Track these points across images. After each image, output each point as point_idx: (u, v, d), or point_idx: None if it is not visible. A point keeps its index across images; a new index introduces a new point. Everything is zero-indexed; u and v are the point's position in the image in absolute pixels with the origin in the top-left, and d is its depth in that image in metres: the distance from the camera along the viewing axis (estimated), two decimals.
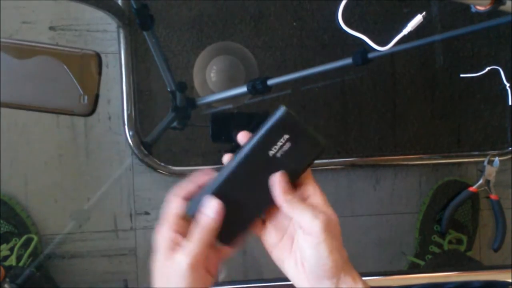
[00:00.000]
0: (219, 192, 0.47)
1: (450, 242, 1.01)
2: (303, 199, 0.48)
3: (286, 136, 0.47)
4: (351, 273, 0.46)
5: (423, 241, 1.03)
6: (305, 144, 0.47)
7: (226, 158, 0.49)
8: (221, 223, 0.47)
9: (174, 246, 0.46)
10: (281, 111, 0.47)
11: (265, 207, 0.48)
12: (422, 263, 1.01)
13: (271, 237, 0.49)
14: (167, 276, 0.46)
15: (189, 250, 0.45)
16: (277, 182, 0.47)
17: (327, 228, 0.45)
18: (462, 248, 1.01)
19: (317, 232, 0.45)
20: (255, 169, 0.48)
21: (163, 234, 0.47)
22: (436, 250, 1.01)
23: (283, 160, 0.47)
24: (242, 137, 0.49)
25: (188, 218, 0.47)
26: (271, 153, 0.47)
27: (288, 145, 0.47)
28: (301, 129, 0.47)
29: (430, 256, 1.01)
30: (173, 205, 0.47)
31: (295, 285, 0.48)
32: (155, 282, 0.47)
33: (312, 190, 0.48)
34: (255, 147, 0.47)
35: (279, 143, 0.47)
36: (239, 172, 0.47)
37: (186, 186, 0.49)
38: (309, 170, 0.49)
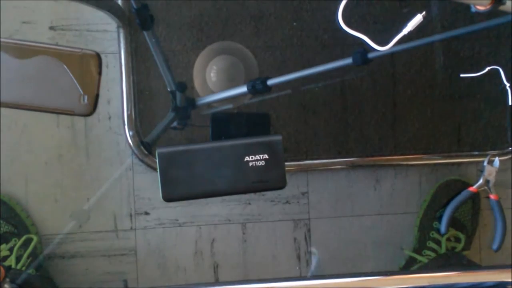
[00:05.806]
0: (184, 155, 0.54)
1: (448, 239, 1.01)
2: None
3: (265, 156, 0.53)
4: None
5: (421, 236, 1.03)
6: (273, 174, 0.53)
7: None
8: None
9: None
10: (278, 137, 0.54)
11: (215, 191, 0.54)
12: (419, 257, 1.01)
13: None
14: None
15: None
16: None
17: None
18: (460, 246, 1.01)
19: None
20: (226, 158, 0.54)
21: None
22: (434, 246, 1.01)
23: (251, 170, 0.53)
24: None
25: None
26: (246, 158, 0.53)
27: (262, 163, 0.53)
28: (279, 162, 0.53)
29: (427, 251, 1.01)
30: None
31: None
32: None
33: None
34: (239, 145, 0.53)
35: (257, 157, 0.53)
36: (211, 150, 0.54)
37: None
38: None
